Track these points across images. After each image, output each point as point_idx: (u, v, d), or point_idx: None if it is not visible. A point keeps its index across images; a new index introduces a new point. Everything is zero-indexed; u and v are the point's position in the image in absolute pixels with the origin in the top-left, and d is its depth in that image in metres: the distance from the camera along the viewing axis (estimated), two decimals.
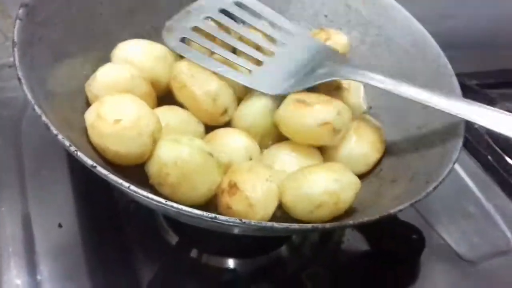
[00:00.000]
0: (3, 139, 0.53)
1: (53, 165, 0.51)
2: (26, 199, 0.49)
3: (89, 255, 0.46)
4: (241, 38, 0.51)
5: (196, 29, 0.49)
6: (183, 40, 0.48)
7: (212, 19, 0.50)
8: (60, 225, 0.47)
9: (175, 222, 0.50)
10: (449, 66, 0.49)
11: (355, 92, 0.51)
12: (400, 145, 0.48)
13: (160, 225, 0.50)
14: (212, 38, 0.49)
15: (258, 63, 0.49)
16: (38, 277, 0.44)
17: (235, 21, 0.51)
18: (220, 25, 0.51)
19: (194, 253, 0.49)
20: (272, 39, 0.51)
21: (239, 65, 0.48)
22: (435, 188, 0.38)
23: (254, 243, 0.51)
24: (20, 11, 0.38)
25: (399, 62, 0.53)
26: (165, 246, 0.49)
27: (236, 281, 0.49)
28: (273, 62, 0.50)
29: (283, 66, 0.49)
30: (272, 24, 0.52)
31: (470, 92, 0.71)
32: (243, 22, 0.51)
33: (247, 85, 0.47)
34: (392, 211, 0.36)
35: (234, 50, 0.50)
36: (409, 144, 0.48)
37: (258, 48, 0.51)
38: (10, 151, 0.52)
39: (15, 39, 0.37)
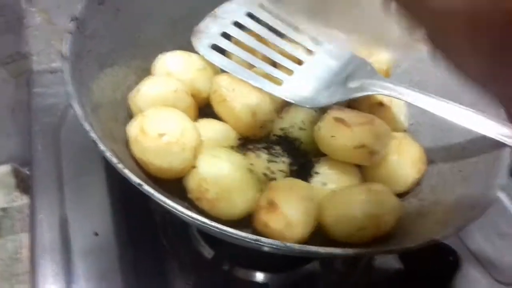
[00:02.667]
0: (43, 146, 0.53)
1: (91, 171, 0.52)
2: (64, 206, 0.49)
3: (124, 263, 0.47)
4: (269, 45, 0.49)
5: (225, 35, 0.48)
6: (213, 46, 0.48)
7: (239, 24, 0.49)
8: (96, 234, 0.48)
9: (209, 235, 0.50)
10: None
11: (397, 109, 0.50)
12: (442, 166, 0.47)
13: (194, 237, 0.50)
14: (242, 45, 0.48)
15: (289, 72, 0.49)
16: (73, 286, 0.44)
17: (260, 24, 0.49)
18: (248, 30, 0.49)
19: (226, 265, 0.49)
20: (299, 46, 0.50)
21: (270, 74, 0.48)
22: (480, 214, 0.37)
23: (287, 258, 0.51)
24: (71, 24, 0.38)
25: (444, 78, 0.52)
26: (199, 258, 0.49)
27: None
28: (304, 71, 0.48)
29: (315, 76, 0.48)
30: (299, 30, 0.50)
31: None
32: (269, 28, 0.49)
33: (280, 96, 0.47)
34: (436, 237, 0.35)
35: (264, 58, 0.49)
36: (452, 165, 0.46)
37: (286, 56, 0.49)
38: (49, 158, 0.52)
39: (67, 53, 0.37)
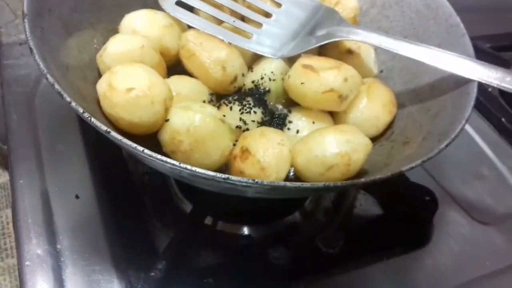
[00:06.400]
0: (18, 115, 0.53)
1: (67, 138, 0.52)
2: (43, 172, 0.50)
3: (106, 224, 0.47)
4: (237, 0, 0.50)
5: None
6: (179, 3, 0.48)
7: None
8: (77, 196, 0.48)
9: (189, 191, 0.51)
10: (462, 25, 0.48)
11: (366, 55, 0.51)
12: (412, 107, 0.48)
13: (175, 194, 0.51)
14: (208, 1, 0.49)
15: (258, 25, 0.49)
16: (58, 246, 0.45)
17: None
18: None
19: (208, 220, 0.50)
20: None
21: (239, 28, 0.48)
22: (447, 145, 0.38)
23: (267, 209, 0.52)
24: None
25: (411, 23, 0.52)
26: (180, 214, 0.50)
27: (252, 246, 0.50)
28: (272, 23, 0.49)
29: (283, 27, 0.49)
30: None
31: (483, 55, 0.70)
32: None
33: (249, 49, 0.47)
34: (403, 168, 0.36)
35: (231, 13, 0.50)
36: (421, 106, 0.47)
37: (254, 9, 0.50)
38: (25, 127, 0.53)
39: (25, 10, 0.37)
